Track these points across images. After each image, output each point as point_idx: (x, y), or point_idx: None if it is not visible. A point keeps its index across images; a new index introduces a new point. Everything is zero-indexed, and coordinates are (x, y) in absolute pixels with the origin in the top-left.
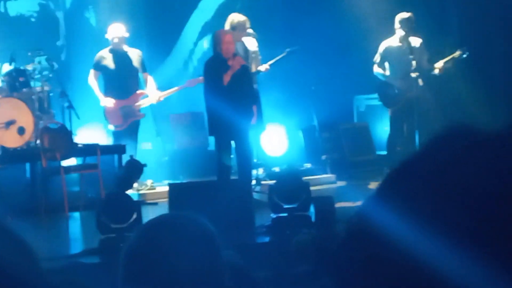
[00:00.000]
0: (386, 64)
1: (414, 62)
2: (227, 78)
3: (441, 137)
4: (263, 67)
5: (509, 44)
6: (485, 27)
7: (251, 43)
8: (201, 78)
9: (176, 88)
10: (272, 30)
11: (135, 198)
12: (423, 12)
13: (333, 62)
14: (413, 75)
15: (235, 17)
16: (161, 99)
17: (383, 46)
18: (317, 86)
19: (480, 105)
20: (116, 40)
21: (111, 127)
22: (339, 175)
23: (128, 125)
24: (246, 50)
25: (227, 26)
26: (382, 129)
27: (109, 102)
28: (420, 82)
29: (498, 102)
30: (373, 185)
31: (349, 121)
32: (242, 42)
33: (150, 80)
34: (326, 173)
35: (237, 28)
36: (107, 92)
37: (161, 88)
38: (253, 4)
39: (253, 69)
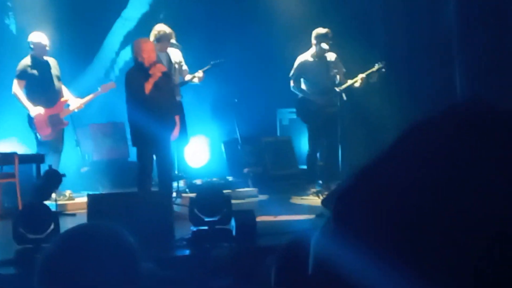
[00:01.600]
0: (302, 80)
1: (338, 77)
2: (148, 86)
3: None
4: (197, 77)
5: (432, 57)
6: (408, 41)
7: (175, 54)
8: (112, 83)
9: (91, 95)
10: (195, 41)
11: (53, 209)
12: (350, 25)
13: (256, 75)
14: (337, 89)
15: (161, 28)
16: (82, 106)
17: (298, 61)
18: (240, 98)
19: (404, 119)
20: (38, 49)
21: (40, 136)
22: (261, 188)
23: (56, 134)
24: (170, 61)
25: (152, 37)
26: (305, 143)
27: (38, 111)
28: (344, 97)
29: (415, 111)
30: (295, 199)
31: (272, 135)
32: (167, 53)
33: (65, 89)
34: (248, 187)
35: (162, 39)
36: (32, 101)
37: (82, 97)
38: (176, 14)
39: (177, 80)
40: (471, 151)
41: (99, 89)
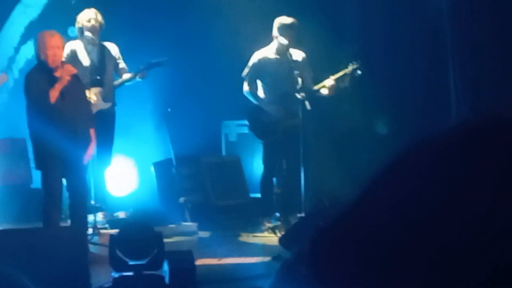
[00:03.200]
0: (259, 83)
1: (300, 80)
2: (54, 93)
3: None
4: (138, 75)
5: (418, 54)
6: (388, 34)
7: (111, 48)
8: (4, 75)
9: None
10: (118, 35)
11: None
12: (316, 20)
13: (196, 78)
14: (299, 96)
15: (89, 15)
16: None
17: (255, 58)
18: (175, 107)
19: (384, 132)
20: None
21: None
22: (202, 223)
23: None
24: (103, 56)
25: (77, 25)
26: (258, 164)
27: None
28: (308, 105)
29: (400, 126)
30: (245, 237)
31: (215, 154)
32: (100, 46)
33: None
34: (185, 221)
35: (91, 29)
36: None
37: None
38: (91, 1)
39: (111, 81)
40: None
41: None
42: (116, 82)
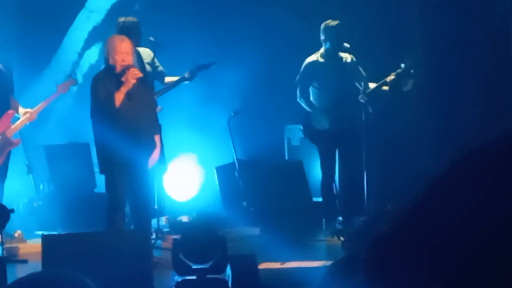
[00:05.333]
0: (311, 89)
1: (362, 83)
2: (120, 96)
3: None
4: (186, 78)
5: (483, 55)
6: (449, 42)
7: (145, 54)
8: (72, 80)
9: (47, 100)
10: (181, 40)
11: None
12: (378, 23)
13: (259, 82)
14: (361, 100)
15: (125, 20)
16: (35, 116)
17: (305, 63)
18: (238, 112)
19: (441, 138)
20: None
21: None
22: (264, 227)
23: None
24: (141, 62)
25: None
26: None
27: None
28: (370, 109)
29: (460, 132)
30: (308, 241)
31: (278, 158)
32: (137, 51)
33: (14, 102)
34: (248, 225)
35: (130, 34)
36: None
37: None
38: (156, 5)
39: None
40: None
41: (56, 90)
42: (166, 86)
